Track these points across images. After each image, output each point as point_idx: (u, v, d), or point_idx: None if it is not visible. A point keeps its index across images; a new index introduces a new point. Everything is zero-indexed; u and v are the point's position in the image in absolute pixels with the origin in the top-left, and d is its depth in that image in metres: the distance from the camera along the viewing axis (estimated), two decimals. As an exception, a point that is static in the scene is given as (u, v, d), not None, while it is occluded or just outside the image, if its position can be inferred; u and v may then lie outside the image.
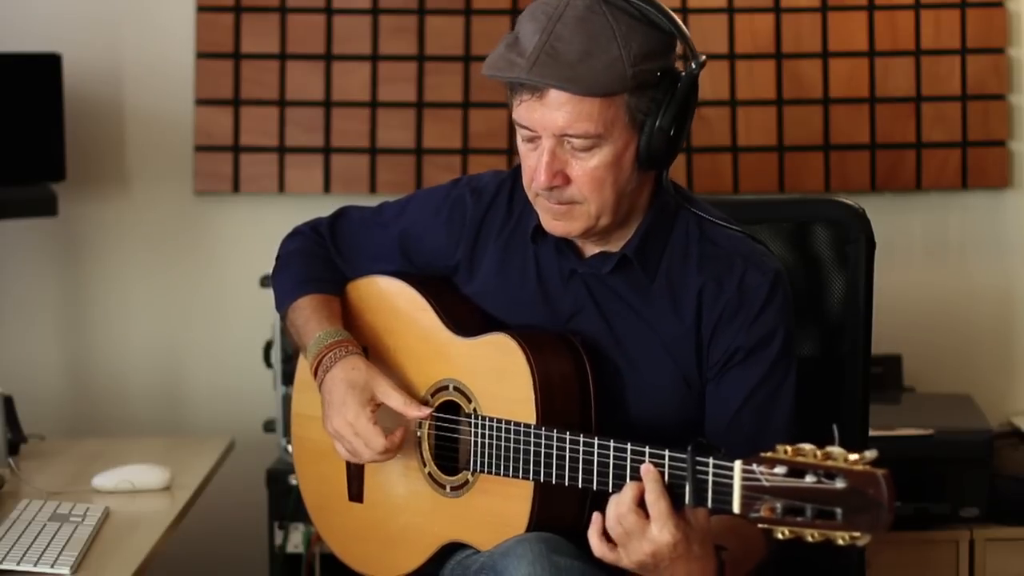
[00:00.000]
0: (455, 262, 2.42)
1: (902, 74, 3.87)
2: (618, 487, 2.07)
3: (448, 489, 2.33)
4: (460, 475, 2.31)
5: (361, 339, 2.43)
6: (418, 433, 2.36)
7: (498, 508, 2.25)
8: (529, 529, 2.21)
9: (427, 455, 2.36)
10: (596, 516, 2.07)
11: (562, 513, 2.21)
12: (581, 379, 2.26)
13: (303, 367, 2.51)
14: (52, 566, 2.30)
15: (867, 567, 2.59)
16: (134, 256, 3.89)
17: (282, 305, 2.51)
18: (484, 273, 2.39)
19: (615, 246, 2.31)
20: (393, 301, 2.44)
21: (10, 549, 2.36)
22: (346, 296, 2.49)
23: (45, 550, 2.35)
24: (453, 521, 2.32)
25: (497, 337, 2.29)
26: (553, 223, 2.27)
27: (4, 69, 3.56)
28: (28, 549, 2.36)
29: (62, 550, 2.36)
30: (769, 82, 3.87)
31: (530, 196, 2.28)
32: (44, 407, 3.71)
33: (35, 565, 2.30)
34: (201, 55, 3.86)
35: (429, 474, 2.35)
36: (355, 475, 2.44)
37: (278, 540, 3.45)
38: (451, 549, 2.34)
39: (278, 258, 2.56)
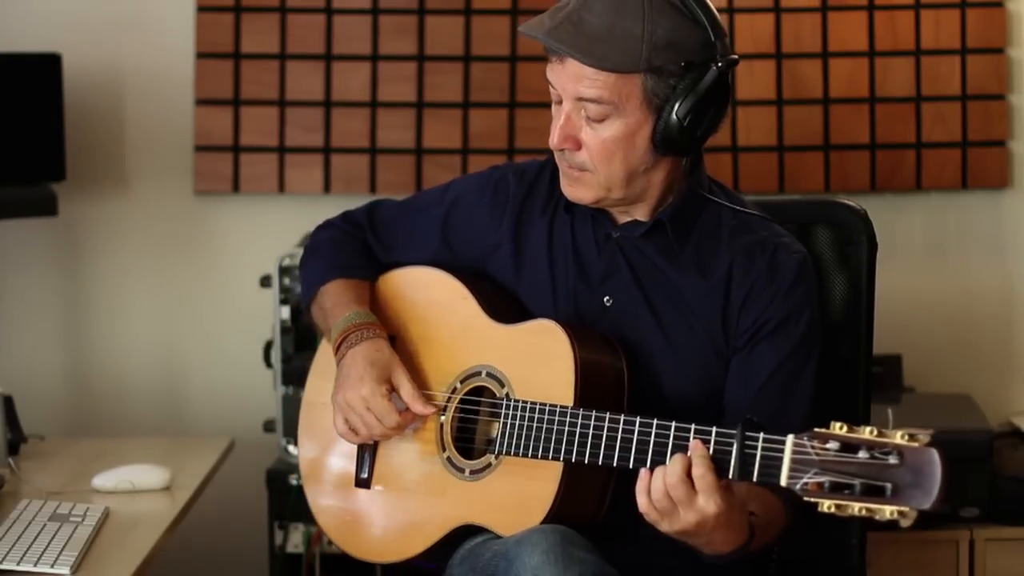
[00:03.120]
0: (497, 241, 2.44)
1: (902, 74, 3.87)
2: (656, 464, 2.09)
3: (467, 473, 2.33)
4: (483, 459, 2.32)
5: (389, 328, 2.44)
6: (441, 418, 2.37)
7: (521, 489, 2.26)
8: (551, 511, 2.21)
9: (447, 439, 2.36)
10: (644, 473, 2.09)
11: (585, 499, 2.22)
12: (617, 373, 2.29)
13: (323, 352, 2.52)
14: (52, 566, 2.30)
15: (867, 567, 2.59)
16: (134, 256, 3.89)
17: (311, 288, 2.51)
18: (532, 248, 2.42)
19: (641, 215, 2.36)
20: (430, 290, 2.46)
21: (10, 549, 2.36)
22: (377, 288, 2.50)
23: (45, 550, 2.35)
24: (469, 504, 2.32)
25: (542, 323, 2.32)
26: (567, 187, 2.34)
27: (4, 69, 3.56)
28: (28, 549, 2.36)
29: (62, 550, 2.36)
30: (769, 82, 3.87)
31: (556, 159, 2.34)
32: (44, 407, 3.71)
33: (35, 565, 2.30)
34: (201, 55, 3.86)
35: (448, 459, 2.35)
36: (365, 461, 2.44)
37: (278, 540, 3.45)
38: (462, 536, 2.33)
39: (307, 246, 2.57)
